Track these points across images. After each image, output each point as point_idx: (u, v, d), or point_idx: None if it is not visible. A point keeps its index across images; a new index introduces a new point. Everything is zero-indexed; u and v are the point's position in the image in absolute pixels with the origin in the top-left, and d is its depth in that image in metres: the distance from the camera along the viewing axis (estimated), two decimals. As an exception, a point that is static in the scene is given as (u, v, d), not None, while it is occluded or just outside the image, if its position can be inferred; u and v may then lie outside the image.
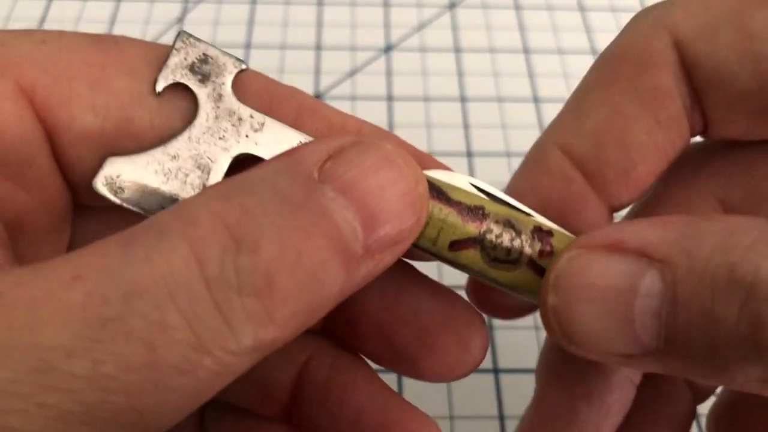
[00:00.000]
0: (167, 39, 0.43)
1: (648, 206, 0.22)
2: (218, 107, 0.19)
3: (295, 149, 0.16)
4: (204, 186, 0.18)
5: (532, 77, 0.43)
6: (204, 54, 0.19)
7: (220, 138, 0.19)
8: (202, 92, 0.19)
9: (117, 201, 0.18)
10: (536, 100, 0.42)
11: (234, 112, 0.19)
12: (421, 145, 0.39)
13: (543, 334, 0.33)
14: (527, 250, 0.18)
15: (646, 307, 0.16)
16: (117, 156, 0.18)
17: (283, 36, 0.44)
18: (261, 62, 0.42)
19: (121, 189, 0.18)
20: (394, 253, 0.16)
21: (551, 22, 0.46)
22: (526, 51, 0.44)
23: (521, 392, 0.32)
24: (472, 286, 0.22)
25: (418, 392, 0.31)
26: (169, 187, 0.18)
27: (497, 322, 0.33)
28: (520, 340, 0.33)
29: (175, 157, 0.18)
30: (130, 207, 0.18)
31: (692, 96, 0.20)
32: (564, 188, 0.20)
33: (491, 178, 0.38)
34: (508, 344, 0.33)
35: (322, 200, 0.15)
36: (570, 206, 0.20)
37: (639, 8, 0.46)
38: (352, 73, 0.42)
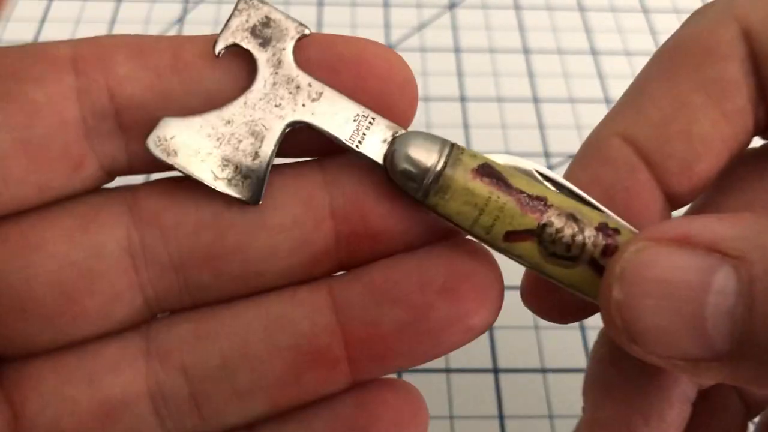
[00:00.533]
0: (167, 39, 0.43)
1: (703, 209, 0.21)
2: (277, 73, 0.18)
3: None
4: (256, 154, 0.18)
5: (531, 77, 0.43)
6: (266, 17, 0.19)
7: (276, 105, 0.18)
8: (261, 57, 0.18)
9: (168, 162, 0.18)
10: (536, 100, 0.42)
11: (292, 80, 0.18)
12: (421, 145, 0.39)
13: (543, 333, 0.33)
14: (589, 247, 0.17)
15: (719, 305, 0.15)
16: (171, 117, 0.18)
17: (283, 36, 0.44)
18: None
19: (174, 151, 0.18)
20: None
21: (551, 22, 0.46)
22: (526, 51, 0.44)
23: (521, 392, 0.32)
24: (528, 286, 0.21)
25: (418, 392, 0.31)
26: (221, 152, 0.18)
27: (498, 322, 0.33)
28: (520, 340, 0.33)
29: (229, 122, 0.18)
30: (181, 169, 0.18)
31: (759, 89, 0.19)
32: (628, 178, 0.19)
33: (491, 178, 0.38)
34: (508, 344, 0.33)
35: None
36: (633, 197, 0.19)
37: (639, 8, 0.47)
38: (352, 73, 0.42)
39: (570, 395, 0.31)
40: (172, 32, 0.44)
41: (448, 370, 0.32)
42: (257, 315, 0.19)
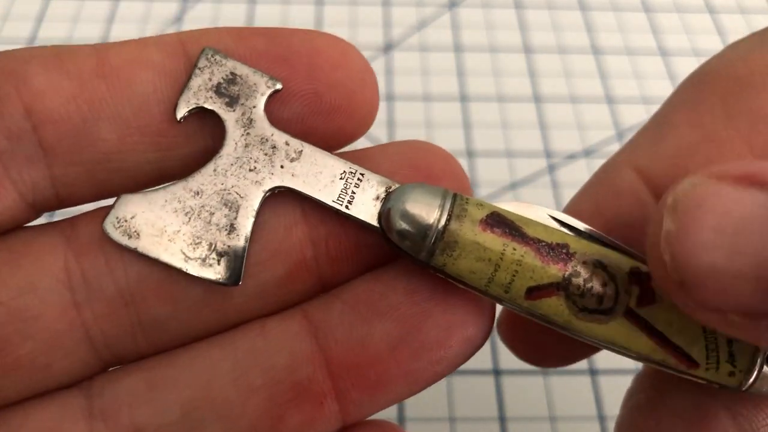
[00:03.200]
0: (166, 38, 0.43)
1: None
2: (248, 134, 0.16)
3: None
4: (232, 227, 0.16)
5: (532, 76, 0.43)
6: (232, 73, 0.17)
7: (250, 170, 0.16)
8: (229, 117, 0.16)
9: (131, 246, 0.16)
10: (537, 99, 0.42)
11: (267, 139, 0.16)
12: (422, 145, 0.39)
13: (544, 335, 0.33)
14: (623, 296, 0.15)
15: None
16: (130, 194, 0.16)
17: (283, 35, 0.44)
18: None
19: (136, 232, 0.16)
20: None
21: (552, 20, 0.46)
22: (527, 50, 0.44)
23: (522, 394, 0.32)
24: (505, 327, 0.19)
25: (418, 395, 0.31)
26: (191, 228, 0.16)
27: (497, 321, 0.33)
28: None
29: (198, 193, 0.16)
30: (146, 254, 0.16)
31: None
32: (634, 211, 0.17)
33: (491, 177, 0.38)
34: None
35: None
36: (635, 233, 0.17)
37: (641, 7, 0.46)
38: (352, 72, 0.42)
39: (571, 397, 0.31)
40: (170, 31, 0.44)
41: (448, 372, 0.32)
42: (222, 354, 0.16)
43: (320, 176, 0.16)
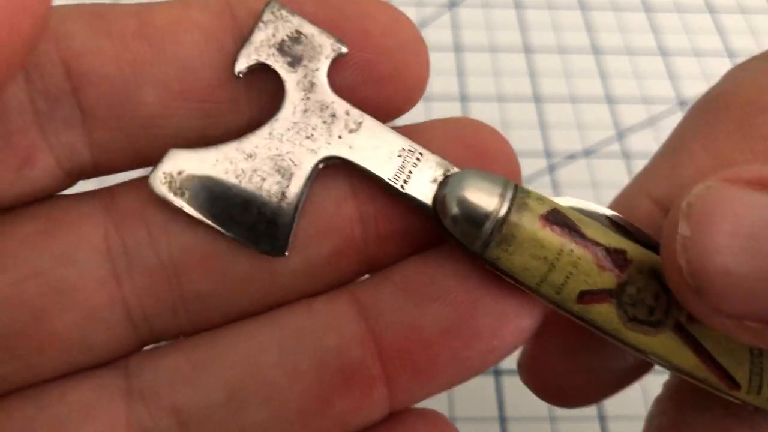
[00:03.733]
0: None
1: None
2: (308, 98, 0.16)
3: None
4: (283, 194, 0.15)
5: (533, 76, 0.43)
6: (297, 31, 0.16)
7: (307, 137, 0.16)
8: (290, 78, 0.16)
9: (176, 203, 0.15)
10: (537, 99, 0.41)
11: (327, 106, 0.16)
12: (422, 145, 0.39)
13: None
14: (674, 310, 0.15)
15: None
16: (180, 149, 0.15)
17: (283, 35, 0.44)
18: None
19: (183, 190, 0.15)
20: None
21: (552, 20, 0.46)
22: (527, 50, 0.44)
23: (523, 394, 0.32)
24: (527, 370, 0.18)
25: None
26: (240, 191, 0.15)
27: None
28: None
29: (251, 155, 0.15)
30: (191, 212, 0.15)
31: None
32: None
33: (492, 177, 0.38)
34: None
35: None
36: None
37: (641, 7, 0.46)
38: (352, 72, 0.42)
39: (572, 397, 0.31)
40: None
41: (448, 372, 0.32)
42: (268, 333, 0.16)
43: (378, 151, 0.16)
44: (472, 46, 0.44)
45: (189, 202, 0.15)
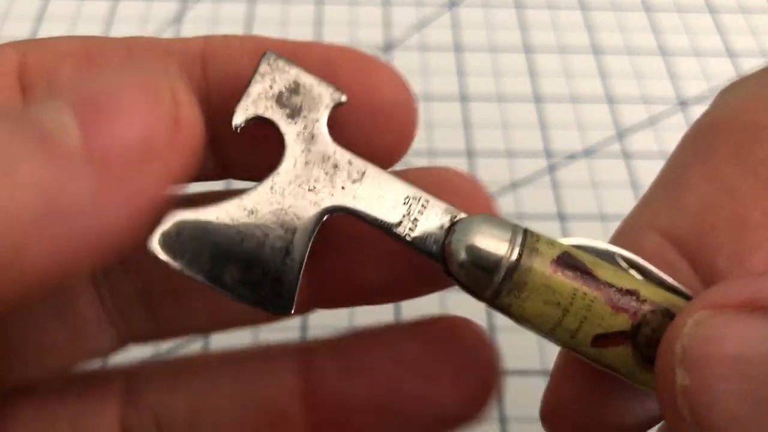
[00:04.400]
0: (167, 37, 0.43)
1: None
2: (309, 150, 0.15)
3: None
4: (287, 250, 0.15)
5: (533, 76, 0.43)
6: (295, 82, 0.15)
7: (309, 189, 0.15)
8: (290, 130, 0.15)
9: (176, 266, 0.14)
10: (537, 99, 0.41)
11: (329, 157, 0.15)
12: (422, 145, 0.39)
13: (544, 335, 0.33)
14: None
15: None
16: (179, 210, 0.15)
17: (282, 34, 0.44)
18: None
19: (183, 251, 0.14)
20: (152, 171, 0.12)
21: (552, 20, 0.46)
22: (527, 50, 0.44)
23: (522, 394, 0.32)
24: (550, 420, 0.18)
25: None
26: (242, 250, 0.15)
27: (499, 323, 0.33)
28: (522, 341, 0.33)
29: (252, 212, 0.15)
30: (192, 275, 0.15)
31: None
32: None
33: (491, 177, 0.38)
34: (510, 346, 0.33)
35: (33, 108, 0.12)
36: None
37: (641, 7, 0.46)
38: (352, 71, 0.42)
39: (572, 397, 0.31)
40: (170, 31, 0.44)
41: (448, 372, 0.32)
42: (227, 369, 0.18)
43: (383, 200, 0.15)
44: (472, 46, 0.44)
45: (189, 265, 0.15)
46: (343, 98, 0.16)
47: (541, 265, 0.15)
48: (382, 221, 0.15)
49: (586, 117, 0.41)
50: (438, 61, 0.43)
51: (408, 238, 0.15)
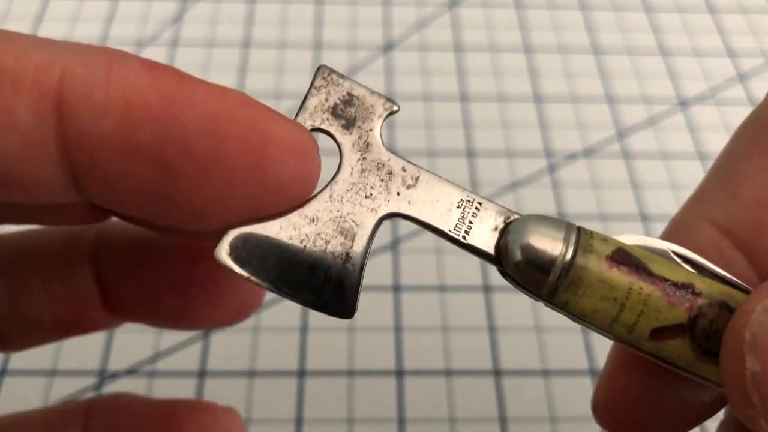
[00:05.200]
0: (166, 37, 0.43)
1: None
2: (365, 159, 0.16)
3: None
4: (348, 256, 0.15)
5: (533, 76, 0.43)
6: (348, 93, 0.16)
7: (366, 196, 0.16)
8: (346, 140, 0.16)
9: (244, 274, 0.15)
10: (537, 99, 0.41)
11: (383, 165, 0.16)
12: (422, 145, 0.39)
13: (545, 336, 0.33)
14: None
15: None
16: (245, 223, 0.15)
17: (282, 34, 0.44)
18: (259, 61, 0.42)
19: (249, 260, 0.15)
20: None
21: (552, 20, 0.46)
22: (527, 50, 0.44)
23: (523, 394, 0.32)
24: (604, 413, 0.18)
25: (419, 394, 0.31)
26: (305, 256, 0.15)
27: (499, 323, 0.33)
28: (522, 342, 0.33)
29: (313, 220, 0.15)
30: (259, 282, 0.15)
31: None
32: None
33: (491, 177, 0.38)
34: (510, 346, 0.33)
35: None
36: None
37: (641, 7, 0.46)
38: (352, 71, 0.42)
39: (572, 397, 0.31)
40: (170, 31, 0.44)
41: (448, 373, 0.32)
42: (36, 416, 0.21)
43: (437, 204, 0.16)
44: (472, 45, 0.44)
45: (256, 272, 0.15)
46: (395, 107, 0.16)
47: (596, 262, 0.15)
48: (437, 226, 0.16)
49: (586, 117, 0.41)
50: (438, 61, 0.43)
51: (464, 241, 0.16)
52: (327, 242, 0.15)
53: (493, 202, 0.16)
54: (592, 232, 0.15)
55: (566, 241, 0.15)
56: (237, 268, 0.15)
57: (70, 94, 0.13)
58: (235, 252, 0.15)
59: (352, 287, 0.15)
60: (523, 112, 0.41)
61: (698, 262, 0.16)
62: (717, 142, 0.40)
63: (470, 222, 0.16)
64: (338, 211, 0.16)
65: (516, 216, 0.16)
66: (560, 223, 0.15)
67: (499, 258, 0.16)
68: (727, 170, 0.18)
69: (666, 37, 0.45)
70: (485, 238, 0.16)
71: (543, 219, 0.15)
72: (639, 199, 0.37)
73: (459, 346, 0.32)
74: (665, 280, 0.15)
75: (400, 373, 0.31)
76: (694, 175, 0.38)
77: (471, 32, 0.45)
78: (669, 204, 0.37)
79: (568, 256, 0.15)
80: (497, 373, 0.32)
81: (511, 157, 0.39)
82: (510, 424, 0.31)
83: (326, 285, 0.15)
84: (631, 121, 0.40)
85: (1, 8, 0.44)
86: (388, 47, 0.44)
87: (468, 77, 0.42)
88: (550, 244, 0.15)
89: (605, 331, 0.15)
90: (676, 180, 0.38)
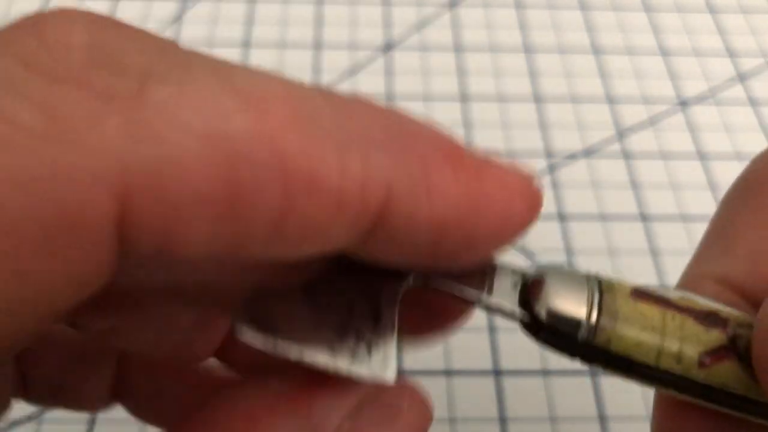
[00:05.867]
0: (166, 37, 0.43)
1: None
2: None
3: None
4: (377, 316, 0.15)
5: (533, 76, 0.43)
6: None
7: None
8: None
9: (268, 348, 0.14)
10: (537, 99, 0.41)
11: None
12: (422, 145, 0.39)
13: (544, 335, 0.33)
14: None
15: None
16: (267, 289, 0.14)
17: (282, 34, 0.44)
18: (259, 61, 0.42)
19: (273, 330, 0.14)
20: None
21: (553, 20, 0.46)
22: (528, 50, 0.44)
23: (523, 394, 0.32)
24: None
25: (418, 394, 0.31)
26: (334, 318, 0.14)
27: (499, 323, 0.33)
28: (522, 342, 0.33)
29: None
30: (285, 354, 0.14)
31: None
32: None
33: (492, 177, 0.38)
34: (510, 346, 0.33)
35: None
36: None
37: (641, 7, 0.46)
38: (352, 71, 0.42)
39: (572, 397, 0.31)
40: (170, 31, 0.44)
41: (448, 373, 0.32)
42: None
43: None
44: (472, 45, 0.44)
45: (284, 344, 0.14)
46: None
47: (623, 298, 0.15)
48: (460, 285, 0.15)
49: (586, 117, 0.41)
50: (438, 61, 0.43)
51: (487, 302, 0.15)
52: (352, 302, 0.15)
53: (505, 261, 0.16)
54: (608, 278, 0.15)
55: (589, 300, 0.15)
56: (260, 341, 0.14)
57: (395, 214, 0.12)
58: (256, 323, 0.14)
59: (386, 346, 0.15)
60: (523, 112, 0.41)
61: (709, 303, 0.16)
62: (717, 142, 0.40)
63: (491, 283, 0.15)
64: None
65: (531, 273, 0.15)
66: (580, 277, 0.15)
67: (524, 321, 0.16)
68: (721, 229, 0.19)
69: (666, 37, 0.45)
70: (506, 296, 0.15)
71: (562, 276, 0.15)
72: (639, 199, 0.37)
73: (459, 346, 0.32)
74: (690, 309, 0.15)
75: (399, 374, 0.31)
76: (694, 175, 0.38)
77: (471, 32, 0.45)
78: (669, 204, 0.37)
79: (594, 315, 0.15)
80: (497, 372, 0.32)
81: (511, 157, 0.39)
82: (510, 424, 0.31)
83: (359, 348, 0.14)
84: (631, 121, 0.40)
85: (1, 8, 0.44)
86: (388, 47, 0.44)
87: (468, 77, 0.42)
88: (575, 308, 0.15)
89: (654, 367, 0.15)
90: (676, 180, 0.38)
